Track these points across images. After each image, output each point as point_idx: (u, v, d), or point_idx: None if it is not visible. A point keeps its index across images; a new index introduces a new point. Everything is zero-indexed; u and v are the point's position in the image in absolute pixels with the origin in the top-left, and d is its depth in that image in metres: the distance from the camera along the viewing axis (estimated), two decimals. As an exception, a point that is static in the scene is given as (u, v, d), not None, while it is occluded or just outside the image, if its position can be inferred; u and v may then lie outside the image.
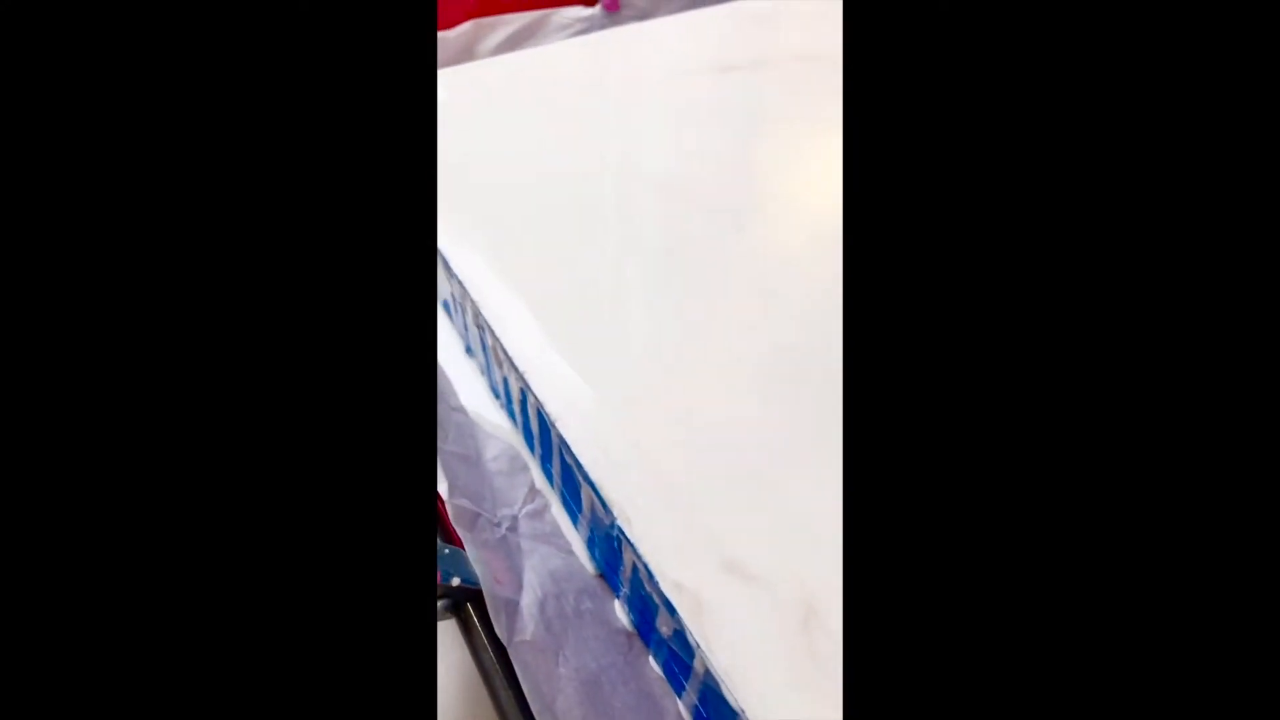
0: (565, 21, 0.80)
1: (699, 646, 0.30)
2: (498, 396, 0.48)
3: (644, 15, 0.86)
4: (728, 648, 0.30)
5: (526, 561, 0.41)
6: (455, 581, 0.33)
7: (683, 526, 0.33)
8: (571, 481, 0.39)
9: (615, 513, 0.34)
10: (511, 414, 0.47)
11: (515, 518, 0.44)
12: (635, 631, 0.39)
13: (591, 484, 0.35)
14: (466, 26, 0.73)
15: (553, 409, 0.38)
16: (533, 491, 0.45)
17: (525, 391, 0.40)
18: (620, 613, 0.40)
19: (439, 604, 0.32)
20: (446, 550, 0.35)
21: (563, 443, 0.37)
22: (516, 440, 0.47)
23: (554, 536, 0.43)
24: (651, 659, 0.38)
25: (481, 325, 0.44)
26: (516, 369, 0.40)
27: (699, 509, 0.34)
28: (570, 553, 0.42)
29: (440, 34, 0.72)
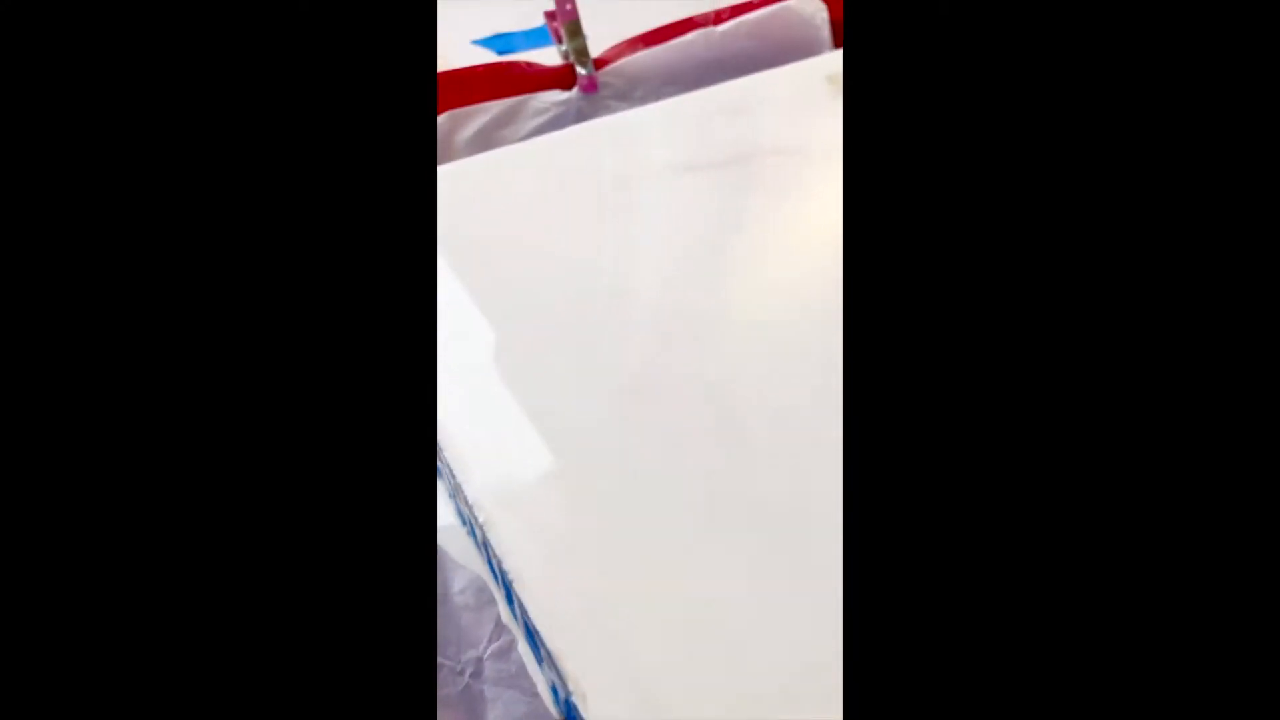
0: (542, 106, 0.80)
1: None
2: (464, 523, 0.48)
3: (621, 95, 0.86)
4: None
5: (490, 712, 0.41)
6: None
7: (641, 704, 0.33)
8: (530, 634, 0.39)
9: (571, 687, 0.34)
10: (476, 545, 0.46)
11: (480, 660, 0.43)
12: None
13: (550, 655, 0.35)
14: (443, 119, 0.73)
15: (511, 565, 0.37)
16: (499, 627, 0.45)
17: (486, 543, 0.40)
18: (584, 763, 0.39)
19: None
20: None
21: (523, 608, 0.37)
22: (484, 570, 0.47)
23: (519, 678, 0.43)
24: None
25: (444, 461, 0.44)
26: (478, 520, 0.40)
27: (662, 685, 0.33)
28: (535, 695, 0.42)
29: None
